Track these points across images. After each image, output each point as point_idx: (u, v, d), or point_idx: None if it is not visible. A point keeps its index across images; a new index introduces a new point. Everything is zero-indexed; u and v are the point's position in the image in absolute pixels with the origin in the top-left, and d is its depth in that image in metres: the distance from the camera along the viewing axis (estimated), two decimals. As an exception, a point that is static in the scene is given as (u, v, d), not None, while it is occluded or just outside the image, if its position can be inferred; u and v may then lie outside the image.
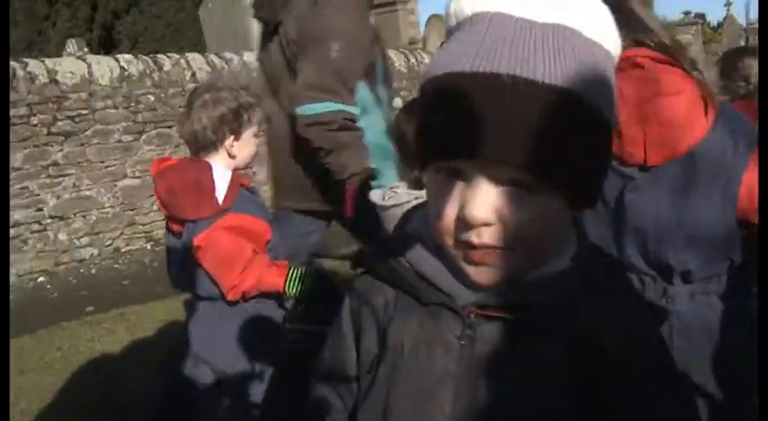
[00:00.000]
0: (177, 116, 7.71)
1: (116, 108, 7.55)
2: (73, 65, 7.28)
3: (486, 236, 0.90)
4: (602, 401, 0.93)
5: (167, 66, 7.90)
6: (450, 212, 0.92)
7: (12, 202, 6.83)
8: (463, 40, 0.89)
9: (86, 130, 7.36)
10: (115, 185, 7.68)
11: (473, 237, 0.90)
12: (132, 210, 7.85)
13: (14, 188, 6.86)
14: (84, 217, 7.46)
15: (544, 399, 0.94)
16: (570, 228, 1.02)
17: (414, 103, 1.00)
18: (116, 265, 7.42)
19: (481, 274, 0.94)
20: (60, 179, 7.21)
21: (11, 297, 6.59)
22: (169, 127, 7.90)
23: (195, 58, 8.17)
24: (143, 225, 7.97)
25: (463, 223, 0.90)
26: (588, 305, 0.94)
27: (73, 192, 7.34)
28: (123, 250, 7.80)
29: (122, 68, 7.56)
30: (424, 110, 0.92)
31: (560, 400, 0.94)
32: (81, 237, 7.45)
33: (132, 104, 7.65)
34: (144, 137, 7.82)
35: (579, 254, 1.01)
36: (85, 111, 7.31)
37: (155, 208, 7.98)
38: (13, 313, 6.13)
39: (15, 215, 6.89)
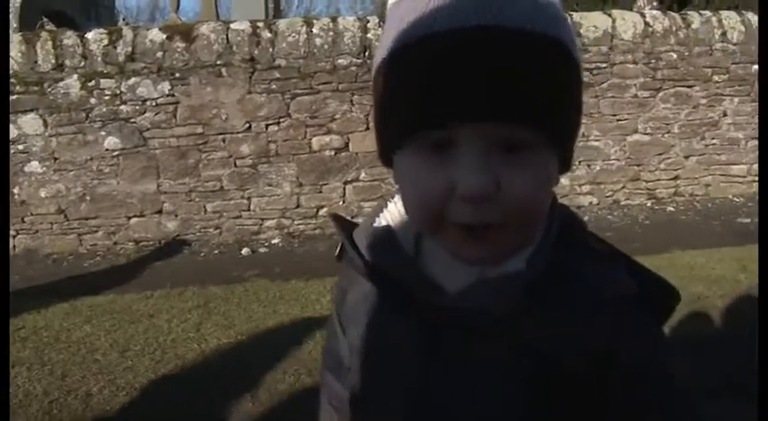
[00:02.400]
0: (700, 76, 7.57)
1: (635, 63, 7.67)
2: (597, 19, 7.60)
3: (485, 213, 0.79)
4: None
5: (696, 23, 7.65)
6: (437, 190, 0.80)
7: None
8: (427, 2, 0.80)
9: (602, 83, 7.66)
10: (624, 139, 7.85)
11: (470, 218, 0.80)
12: (638, 165, 7.95)
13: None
14: (588, 166, 7.84)
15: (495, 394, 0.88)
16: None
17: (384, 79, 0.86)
18: (609, 216, 7.66)
19: (473, 253, 0.83)
20: (570, 127, 7.69)
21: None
22: (689, 86, 7.74)
23: (729, 17, 7.71)
24: (647, 182, 8.01)
25: (456, 202, 0.79)
26: (548, 317, 0.85)
27: (581, 140, 7.75)
28: (622, 203, 7.98)
29: (647, 24, 7.61)
30: (399, 79, 0.81)
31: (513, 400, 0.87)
32: (582, 185, 7.87)
33: (653, 61, 7.68)
34: (661, 94, 7.79)
35: (548, 239, 0.89)
36: (604, 65, 7.60)
37: (662, 166, 7.97)
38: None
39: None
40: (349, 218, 1.08)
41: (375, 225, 1.00)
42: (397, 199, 0.97)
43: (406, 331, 0.93)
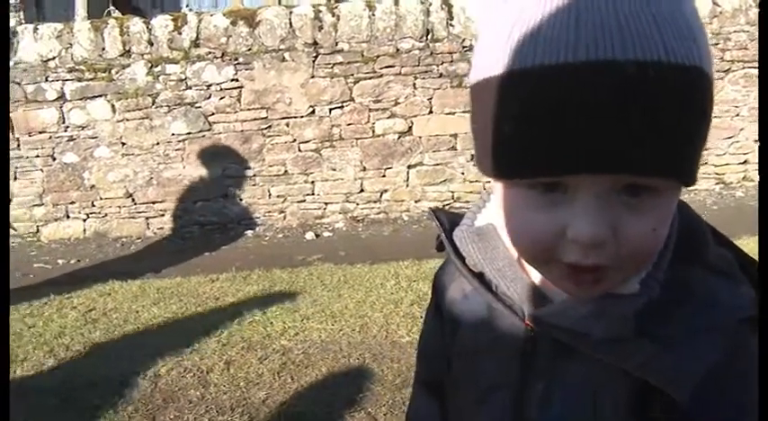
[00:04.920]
0: (772, 57, 7.37)
1: (704, 45, 7.47)
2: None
3: (598, 256, 0.72)
4: None
5: (768, 2, 7.41)
6: (546, 231, 0.73)
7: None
8: (544, 19, 0.67)
9: (669, 65, 7.49)
10: (691, 123, 7.67)
11: (580, 259, 0.73)
12: (706, 149, 7.71)
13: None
14: (654, 149, 7.69)
15: None
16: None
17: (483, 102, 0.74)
18: (676, 201, 7.50)
19: (582, 292, 0.78)
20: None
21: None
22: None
23: (804, -5, 7.44)
24: (715, 166, 7.84)
25: (567, 242, 0.73)
26: (655, 344, 0.79)
27: (646, 123, 7.63)
28: (690, 188, 7.77)
29: (715, 3, 7.42)
30: (510, 114, 0.70)
31: None
32: (648, 169, 7.72)
33: (721, 41, 7.49)
34: (729, 76, 7.59)
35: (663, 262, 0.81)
36: (671, 46, 7.44)
37: (730, 150, 7.79)
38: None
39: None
40: (444, 209, 1.02)
41: (477, 223, 0.94)
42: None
43: (504, 337, 0.92)
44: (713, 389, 0.78)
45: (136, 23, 7.25)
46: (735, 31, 7.47)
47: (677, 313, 0.80)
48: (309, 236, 7.19)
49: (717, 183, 7.88)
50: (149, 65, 7.21)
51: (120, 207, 7.51)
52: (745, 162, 7.90)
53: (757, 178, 7.90)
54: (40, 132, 7.29)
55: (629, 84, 0.64)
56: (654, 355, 0.79)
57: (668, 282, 0.80)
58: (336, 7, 7.30)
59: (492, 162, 0.74)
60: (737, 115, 7.74)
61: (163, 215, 7.55)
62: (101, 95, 7.24)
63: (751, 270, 0.87)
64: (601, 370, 0.82)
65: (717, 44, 7.48)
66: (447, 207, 7.60)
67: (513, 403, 0.92)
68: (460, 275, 0.95)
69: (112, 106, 7.26)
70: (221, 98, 7.29)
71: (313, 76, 7.26)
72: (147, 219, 7.55)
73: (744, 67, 7.55)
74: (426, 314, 1.17)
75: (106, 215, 7.54)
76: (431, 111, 7.38)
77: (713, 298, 0.80)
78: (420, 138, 7.48)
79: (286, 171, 7.49)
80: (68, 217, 7.54)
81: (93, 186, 7.45)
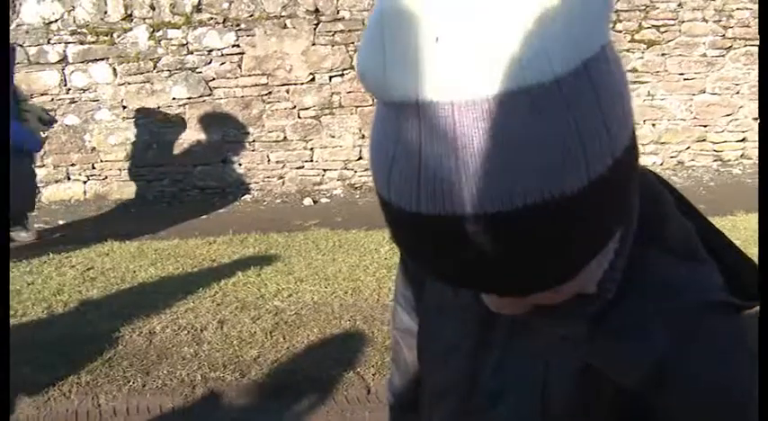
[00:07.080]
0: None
1: (705, 21, 7.49)
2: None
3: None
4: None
5: (771, -20, 7.39)
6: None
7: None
8: (413, 167, 0.60)
9: (670, 41, 7.51)
10: (691, 99, 7.71)
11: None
12: (705, 125, 7.79)
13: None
14: (652, 125, 7.72)
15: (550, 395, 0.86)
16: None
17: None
18: (674, 177, 7.55)
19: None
20: (636, 85, 7.55)
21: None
22: (762, 45, 7.54)
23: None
24: (714, 143, 7.86)
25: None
26: (605, 336, 0.78)
27: (646, 99, 7.64)
28: (687, 164, 7.85)
29: (719, -20, 7.40)
30: (406, 234, 0.66)
31: (564, 402, 0.85)
32: (646, 145, 7.75)
33: (724, 19, 7.48)
34: (731, 53, 7.60)
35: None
36: (672, 22, 7.45)
37: (729, 128, 7.80)
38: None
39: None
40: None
41: None
42: None
43: (465, 303, 0.94)
44: (667, 374, 0.75)
45: (138, -13, 7.26)
46: (738, 9, 7.47)
47: (629, 301, 0.78)
48: (307, 201, 7.26)
49: (714, 160, 7.92)
50: (151, 29, 7.22)
51: (120, 169, 7.55)
52: (743, 140, 7.93)
53: (755, 156, 7.93)
54: (42, 94, 7.30)
55: (515, 229, 0.60)
56: (603, 345, 0.78)
57: (623, 271, 0.78)
58: (339, -26, 7.30)
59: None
60: (737, 93, 7.76)
61: (162, 178, 7.60)
62: (102, 59, 7.25)
63: (715, 239, 0.83)
64: (555, 346, 0.84)
65: (719, 21, 7.49)
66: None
67: (469, 366, 0.95)
68: None
69: (114, 70, 7.27)
70: (222, 64, 7.30)
71: (314, 44, 7.28)
72: (147, 182, 7.61)
73: (745, 45, 7.56)
74: (402, 270, 1.18)
75: (106, 177, 7.58)
76: (431, 82, 7.37)
77: (667, 283, 0.78)
78: (419, 107, 7.48)
79: (285, 137, 7.53)
80: (69, 179, 7.59)
81: (93, 149, 7.48)
